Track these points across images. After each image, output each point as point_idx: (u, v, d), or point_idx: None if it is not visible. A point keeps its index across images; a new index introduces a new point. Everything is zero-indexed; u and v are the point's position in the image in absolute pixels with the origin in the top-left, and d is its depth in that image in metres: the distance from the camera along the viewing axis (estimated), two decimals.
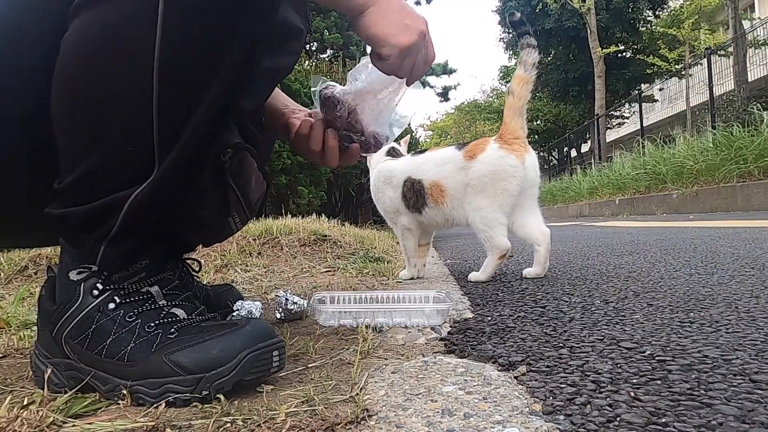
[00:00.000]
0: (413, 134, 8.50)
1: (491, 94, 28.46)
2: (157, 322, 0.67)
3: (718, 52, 10.52)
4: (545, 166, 22.03)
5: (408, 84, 0.88)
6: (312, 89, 0.91)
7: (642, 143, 9.85)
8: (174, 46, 0.59)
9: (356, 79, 0.88)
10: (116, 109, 0.62)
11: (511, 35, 19.55)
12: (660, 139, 9.40)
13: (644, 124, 12.43)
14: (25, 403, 0.62)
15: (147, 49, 0.58)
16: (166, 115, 0.61)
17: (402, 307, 1.07)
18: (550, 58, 19.61)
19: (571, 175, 13.57)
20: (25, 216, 0.75)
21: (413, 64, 0.81)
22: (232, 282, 1.75)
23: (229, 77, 0.63)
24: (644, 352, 0.75)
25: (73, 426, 0.57)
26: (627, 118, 19.28)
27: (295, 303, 1.16)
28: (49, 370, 0.67)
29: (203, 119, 0.63)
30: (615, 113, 18.26)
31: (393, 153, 1.84)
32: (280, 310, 1.15)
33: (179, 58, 0.60)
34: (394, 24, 0.76)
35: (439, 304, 1.06)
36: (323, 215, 4.09)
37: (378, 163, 1.83)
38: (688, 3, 12.78)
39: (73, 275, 0.69)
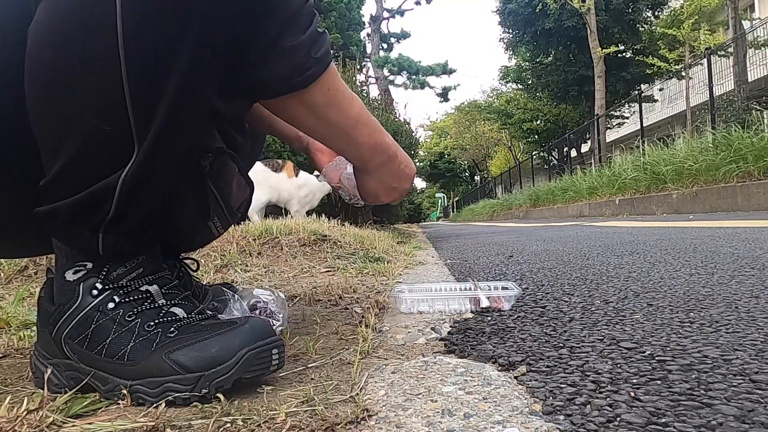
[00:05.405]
0: (414, 134, 8.46)
1: (491, 94, 28.45)
2: (156, 321, 0.67)
3: (718, 53, 10.52)
4: (545, 166, 22.04)
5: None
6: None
7: (642, 143, 9.85)
8: (135, 17, 0.58)
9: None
10: (87, 89, 0.60)
11: (511, 35, 19.55)
12: (660, 140, 9.39)
13: (644, 124, 12.43)
14: (25, 403, 0.62)
15: (109, 24, 0.57)
16: (138, 90, 0.60)
17: (471, 294, 1.17)
18: (550, 59, 19.61)
19: (571, 175, 13.56)
20: (18, 223, 0.74)
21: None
22: (232, 282, 1.75)
23: (195, 49, 0.61)
24: (644, 352, 0.75)
25: (73, 426, 0.57)
26: (627, 118, 19.27)
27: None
28: (49, 371, 0.67)
29: (176, 94, 0.61)
30: (615, 113, 18.25)
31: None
32: None
33: (142, 29, 0.59)
34: (384, 187, 0.94)
35: (507, 291, 1.18)
36: (323, 215, 4.09)
37: None
38: (688, 3, 12.76)
39: (70, 275, 0.68)
